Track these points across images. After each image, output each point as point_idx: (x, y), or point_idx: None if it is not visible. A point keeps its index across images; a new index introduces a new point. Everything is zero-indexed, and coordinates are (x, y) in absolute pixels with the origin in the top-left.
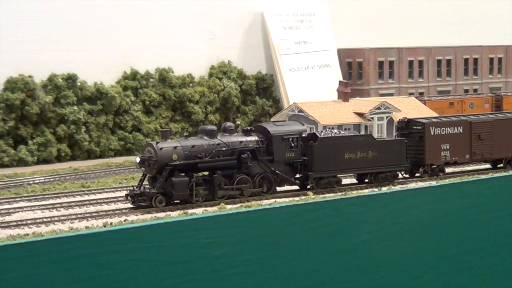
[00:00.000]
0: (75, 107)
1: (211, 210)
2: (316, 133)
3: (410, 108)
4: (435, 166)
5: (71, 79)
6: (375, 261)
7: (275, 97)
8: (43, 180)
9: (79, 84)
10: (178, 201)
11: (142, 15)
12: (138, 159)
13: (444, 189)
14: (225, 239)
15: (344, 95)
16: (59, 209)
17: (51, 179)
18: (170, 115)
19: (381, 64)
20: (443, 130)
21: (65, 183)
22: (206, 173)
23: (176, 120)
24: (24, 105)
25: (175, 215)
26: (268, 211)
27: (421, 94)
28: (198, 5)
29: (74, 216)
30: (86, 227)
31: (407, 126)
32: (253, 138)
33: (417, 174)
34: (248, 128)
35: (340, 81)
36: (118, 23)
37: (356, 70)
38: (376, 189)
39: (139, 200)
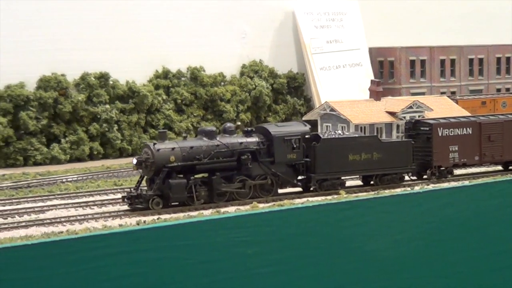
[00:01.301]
0: (108, 106)
1: (244, 209)
2: (319, 134)
3: (442, 107)
4: (443, 168)
5: (103, 77)
6: (407, 260)
7: (306, 96)
8: (76, 178)
9: (111, 82)
10: (177, 203)
11: (174, 14)
12: (134, 161)
13: (477, 189)
14: (258, 238)
15: (376, 94)
16: (92, 207)
17: (84, 177)
18: (201, 114)
19: (412, 63)
20: (451, 131)
21: (97, 181)
22: (206, 175)
23: (207, 119)
24: (57, 104)
25: (208, 213)
26: (300, 210)
27: (453, 93)
28: (230, 4)
29: (107, 214)
30: (120, 225)
31: (414, 127)
32: (254, 139)
33: (425, 176)
34: (249, 129)
35: (372, 80)
36: (150, 22)
37: (387, 69)
38: (409, 189)
39: (136, 202)
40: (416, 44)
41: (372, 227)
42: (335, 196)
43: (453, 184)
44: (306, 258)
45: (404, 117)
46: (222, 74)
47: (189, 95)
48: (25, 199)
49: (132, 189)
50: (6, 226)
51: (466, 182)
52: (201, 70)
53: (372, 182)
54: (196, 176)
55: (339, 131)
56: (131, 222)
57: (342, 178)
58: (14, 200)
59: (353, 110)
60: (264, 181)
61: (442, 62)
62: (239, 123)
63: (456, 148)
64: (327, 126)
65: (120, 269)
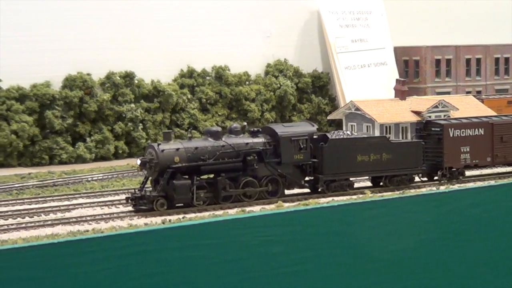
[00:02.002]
0: (133, 105)
1: (269, 208)
2: (327, 134)
3: (467, 106)
4: (454, 169)
5: (128, 77)
6: (432, 261)
7: (331, 95)
8: (101, 177)
9: (136, 82)
10: (182, 204)
11: (199, 13)
12: (138, 161)
13: (503, 189)
14: (283, 237)
15: (401, 93)
16: (117, 206)
17: (109, 176)
18: (226, 113)
19: (438, 62)
20: (463, 132)
21: (123, 180)
22: (212, 175)
23: (232, 118)
24: (82, 103)
25: (233, 212)
26: (326, 209)
27: (479, 92)
28: (255, 3)
29: (133, 213)
30: (145, 224)
31: (425, 127)
32: (260, 139)
33: (436, 178)
34: (255, 129)
35: (397, 79)
36: (176, 21)
37: (412, 68)
38: (434, 188)
39: (140, 204)
40: (441, 43)
41: (397, 227)
42: (360, 195)
43: (478, 184)
44: (330, 257)
45: (430, 117)
46: (247, 73)
47: (214, 94)
48: (51, 198)
49: (136, 190)
50: (33, 224)
51: (492, 182)
52: (226, 69)
53: (381, 184)
54: (202, 177)
55: (348, 132)
56: (156, 221)
57: (351, 179)
58: (40, 199)
59: (378, 110)
60: (266, 187)
61: (468, 61)
62: (245, 123)
63: (468, 149)
64: (352, 125)
65: (145, 268)
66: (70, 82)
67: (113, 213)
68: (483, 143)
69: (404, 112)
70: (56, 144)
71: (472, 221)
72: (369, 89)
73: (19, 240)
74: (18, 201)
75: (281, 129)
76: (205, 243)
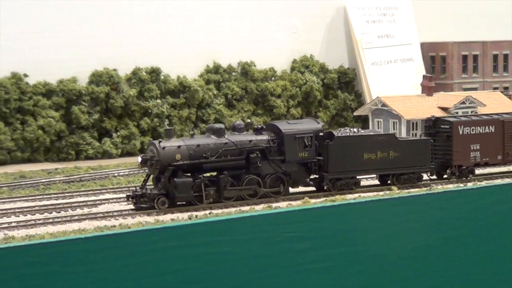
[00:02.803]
0: (159, 100)
1: (296, 204)
2: (333, 132)
3: (494, 102)
4: (464, 168)
5: (154, 72)
6: (459, 258)
7: (357, 91)
8: (127, 173)
9: (162, 77)
10: (184, 202)
11: (224, 9)
12: (139, 159)
13: None
14: (309, 233)
15: (428, 89)
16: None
17: (135, 172)
18: (252, 109)
19: (465, 58)
20: (472, 129)
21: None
22: (215, 173)
23: (258, 114)
24: (108, 98)
25: (259, 208)
26: (352, 206)
27: (506, 88)
28: None
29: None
30: (172, 220)
31: (434, 124)
32: (264, 137)
33: (445, 176)
34: (259, 126)
35: (424, 75)
36: (202, 17)
37: (439, 64)
38: (462, 185)
39: (141, 202)
40: (468, 38)
41: (424, 223)
42: (387, 192)
43: (507, 180)
44: (357, 254)
45: (457, 113)
46: (273, 69)
47: (240, 90)
48: (77, 193)
49: (137, 188)
50: (60, 219)
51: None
52: (251, 65)
53: (389, 182)
54: (205, 175)
55: (354, 129)
56: (183, 216)
57: (358, 177)
58: (67, 194)
59: (405, 106)
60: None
61: (495, 57)
62: (248, 120)
63: (478, 147)
64: (378, 121)
65: (172, 263)
66: (96, 78)
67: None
68: (493, 141)
69: (431, 108)
70: (83, 139)
71: (498, 218)
72: (395, 85)
73: (47, 235)
74: (45, 196)
75: (285, 126)
76: (232, 239)
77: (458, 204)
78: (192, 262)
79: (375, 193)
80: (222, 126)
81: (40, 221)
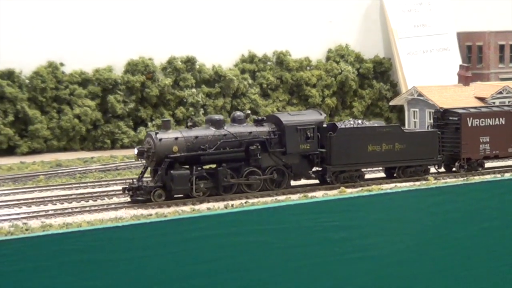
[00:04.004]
0: (194, 90)
1: (331, 194)
2: (336, 123)
3: None
4: (473, 160)
5: (190, 61)
6: (497, 248)
7: (393, 81)
8: None
9: (197, 66)
10: (181, 195)
11: None
12: (136, 151)
13: None
14: (346, 223)
15: (465, 79)
16: None
17: None
18: (287, 99)
19: (502, 47)
20: (482, 121)
21: None
22: (214, 166)
23: (293, 103)
24: (144, 88)
25: (295, 198)
26: (389, 195)
27: None
28: None
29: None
30: (208, 209)
31: (443, 116)
32: (265, 128)
33: (454, 169)
34: (260, 118)
35: (461, 65)
36: (237, 6)
37: (475, 54)
38: (499, 175)
39: (137, 194)
40: (505, 28)
41: (461, 214)
42: (424, 182)
43: None
44: (395, 244)
45: (494, 103)
46: (308, 59)
47: (275, 79)
48: (113, 182)
49: (134, 180)
50: (96, 208)
51: None
52: (287, 55)
53: (395, 175)
54: (204, 167)
55: (359, 121)
56: (218, 206)
57: (362, 170)
58: (103, 182)
59: (441, 96)
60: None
61: None
62: (248, 111)
63: (488, 139)
64: (414, 111)
65: (208, 252)
66: (132, 67)
67: (176, 198)
68: (504, 133)
69: (467, 98)
70: (118, 128)
71: None
72: (431, 75)
73: (84, 223)
74: (81, 185)
75: (287, 118)
76: (267, 228)
77: (496, 195)
78: (228, 251)
79: (411, 183)
80: (221, 117)
81: (77, 209)
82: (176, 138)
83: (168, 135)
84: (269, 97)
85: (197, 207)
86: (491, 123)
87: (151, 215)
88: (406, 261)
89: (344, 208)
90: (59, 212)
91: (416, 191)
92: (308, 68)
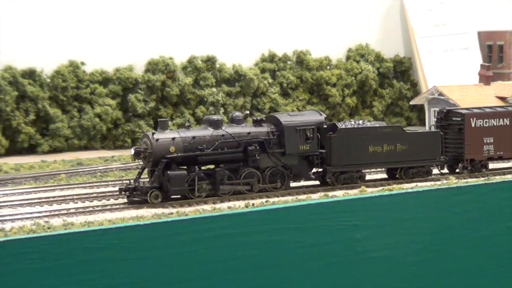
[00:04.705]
0: (214, 89)
1: (352, 193)
2: (336, 124)
3: None
4: (476, 161)
5: (210, 61)
6: None
7: (413, 80)
8: None
9: (218, 66)
10: (178, 196)
11: None
12: (132, 151)
13: None
14: (367, 222)
15: (486, 78)
16: None
17: None
18: (307, 98)
19: None
20: (486, 122)
21: None
22: (212, 166)
23: (313, 103)
24: (164, 87)
25: (316, 197)
26: (410, 195)
27: None
28: None
29: (216, 197)
30: (229, 208)
31: (446, 117)
32: (264, 129)
33: (457, 170)
34: (259, 118)
35: (481, 64)
36: (257, 5)
37: (496, 53)
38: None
39: (134, 195)
40: None
41: (482, 213)
42: (445, 181)
43: None
44: (416, 243)
45: None
46: (328, 58)
47: (295, 78)
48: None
49: (130, 181)
50: (117, 206)
51: None
52: (307, 54)
53: (397, 176)
54: (203, 168)
55: (360, 121)
56: (239, 204)
57: (363, 171)
58: (124, 181)
59: (462, 95)
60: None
61: None
62: (247, 112)
63: (491, 140)
64: (434, 111)
65: (229, 251)
66: (152, 66)
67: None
68: (508, 134)
69: (488, 97)
70: (139, 127)
71: None
72: (451, 75)
73: (105, 222)
74: (102, 183)
75: (286, 118)
76: (289, 227)
77: None
78: (249, 250)
79: (431, 183)
80: (219, 117)
81: (98, 208)
82: (173, 139)
83: (165, 135)
84: (289, 96)
85: (218, 206)
86: (495, 124)
87: (172, 213)
88: (426, 261)
89: (365, 207)
90: (80, 210)
91: (437, 190)
92: (328, 67)
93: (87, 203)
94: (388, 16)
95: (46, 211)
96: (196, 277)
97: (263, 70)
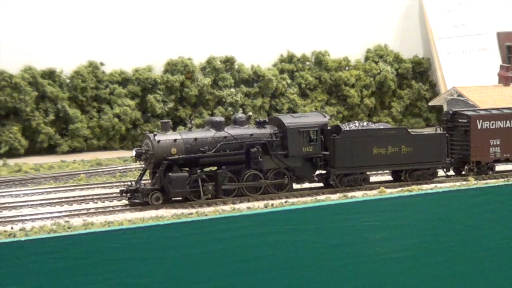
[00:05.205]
0: (233, 90)
1: (371, 194)
2: (340, 125)
3: None
4: (483, 164)
5: (229, 61)
6: None
7: (432, 81)
8: None
9: (236, 66)
10: (180, 198)
11: None
12: (133, 152)
13: None
14: (387, 223)
15: (505, 79)
16: None
17: None
18: (325, 98)
19: None
20: (492, 123)
21: None
22: (215, 168)
23: (331, 104)
24: (183, 87)
25: (335, 198)
26: (430, 196)
27: None
28: None
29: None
30: (248, 208)
31: (452, 118)
32: (266, 131)
33: (463, 173)
34: (262, 120)
35: (501, 65)
36: (275, 5)
37: None
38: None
39: (135, 197)
40: None
41: (504, 214)
42: (464, 182)
43: None
44: (435, 244)
45: None
46: (347, 59)
47: (314, 79)
48: None
49: (132, 182)
50: (137, 206)
51: None
52: (326, 55)
53: (402, 178)
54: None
55: (364, 123)
56: (259, 205)
57: (368, 173)
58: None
59: (481, 96)
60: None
61: None
62: (250, 113)
63: (498, 142)
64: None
65: (249, 251)
66: (171, 67)
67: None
68: None
69: (508, 98)
70: (157, 128)
71: None
72: (470, 75)
73: (125, 221)
74: (121, 183)
75: (289, 120)
76: (308, 227)
77: None
78: (269, 250)
79: (450, 184)
80: (222, 119)
81: (118, 208)
82: (175, 140)
83: (167, 137)
84: (308, 97)
85: (237, 206)
86: (501, 126)
87: (191, 214)
88: (447, 261)
89: (384, 208)
90: (100, 210)
91: (458, 191)
92: (346, 68)
93: (106, 203)
94: (407, 16)
95: (66, 211)
96: (215, 277)
97: (281, 71)
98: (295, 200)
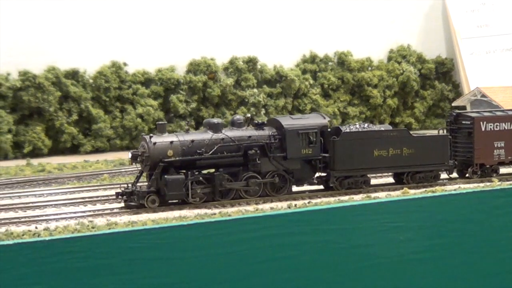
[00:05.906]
0: (255, 90)
1: (395, 195)
2: (340, 127)
3: None
4: (487, 166)
5: (251, 62)
6: None
7: (455, 81)
8: None
9: (259, 67)
10: (176, 200)
11: None
12: (129, 155)
13: None
14: (410, 224)
15: None
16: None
17: None
18: (348, 99)
19: None
20: (496, 125)
21: None
22: (212, 170)
23: (354, 104)
24: (206, 87)
25: (358, 198)
26: (454, 196)
27: None
28: None
29: (259, 198)
30: (271, 208)
31: (456, 120)
32: (265, 132)
33: (467, 175)
34: (260, 121)
35: None
36: (299, 6)
37: None
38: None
39: (130, 199)
40: None
41: None
42: (488, 183)
43: None
44: (459, 245)
45: None
46: (370, 59)
47: (336, 79)
48: None
49: (128, 185)
50: (161, 206)
51: None
52: (348, 55)
53: (404, 181)
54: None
55: (365, 124)
56: (282, 205)
57: (368, 175)
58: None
59: (505, 96)
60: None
61: None
62: (249, 115)
63: (502, 145)
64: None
65: (272, 251)
66: (194, 67)
67: (239, 197)
68: None
69: None
70: (180, 128)
71: None
72: (494, 76)
73: (149, 221)
74: (145, 183)
75: (288, 122)
76: (332, 228)
77: None
78: (292, 250)
79: (474, 185)
80: (219, 120)
81: (142, 208)
82: (171, 142)
83: (163, 139)
84: (330, 97)
85: (260, 206)
86: (506, 128)
87: (215, 214)
88: (469, 263)
89: (407, 209)
90: (124, 210)
91: (480, 192)
92: (369, 68)
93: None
94: (430, 17)
95: (89, 211)
96: (238, 277)
97: (304, 71)
98: (318, 200)
